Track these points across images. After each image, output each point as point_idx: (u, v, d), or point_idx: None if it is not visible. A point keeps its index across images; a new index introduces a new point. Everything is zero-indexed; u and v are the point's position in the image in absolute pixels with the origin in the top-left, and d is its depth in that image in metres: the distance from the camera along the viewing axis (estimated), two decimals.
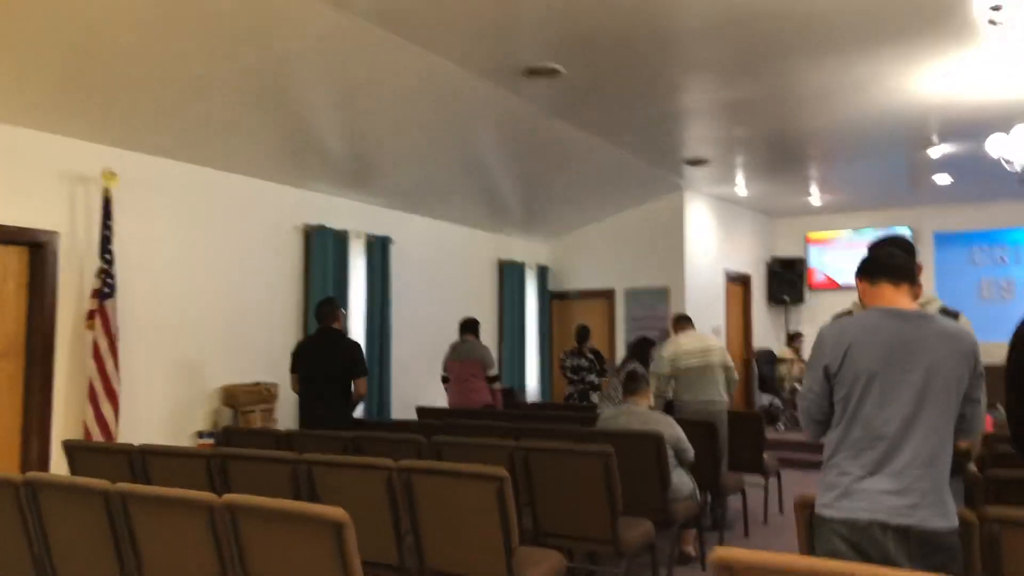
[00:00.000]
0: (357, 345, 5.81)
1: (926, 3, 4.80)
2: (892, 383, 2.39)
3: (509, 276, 9.92)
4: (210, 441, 5.66)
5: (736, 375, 6.19)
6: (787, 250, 12.23)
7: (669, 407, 5.98)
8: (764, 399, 10.85)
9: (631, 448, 4.63)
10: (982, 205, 11.12)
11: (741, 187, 10.16)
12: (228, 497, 2.75)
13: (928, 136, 8.01)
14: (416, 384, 8.24)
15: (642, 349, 6.68)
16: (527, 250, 10.45)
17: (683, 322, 6.33)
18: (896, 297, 2.53)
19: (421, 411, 6.87)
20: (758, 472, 6.41)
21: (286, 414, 6.54)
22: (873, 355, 2.42)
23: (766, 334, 11.84)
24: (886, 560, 2.33)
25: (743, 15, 4.92)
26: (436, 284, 8.85)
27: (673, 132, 7.81)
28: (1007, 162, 6.32)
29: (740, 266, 11.33)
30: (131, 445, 4.29)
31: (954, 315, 3.02)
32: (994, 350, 11.01)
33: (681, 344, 6.13)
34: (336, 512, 2.52)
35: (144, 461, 4.17)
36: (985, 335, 9.78)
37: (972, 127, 7.52)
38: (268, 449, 4.42)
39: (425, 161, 7.49)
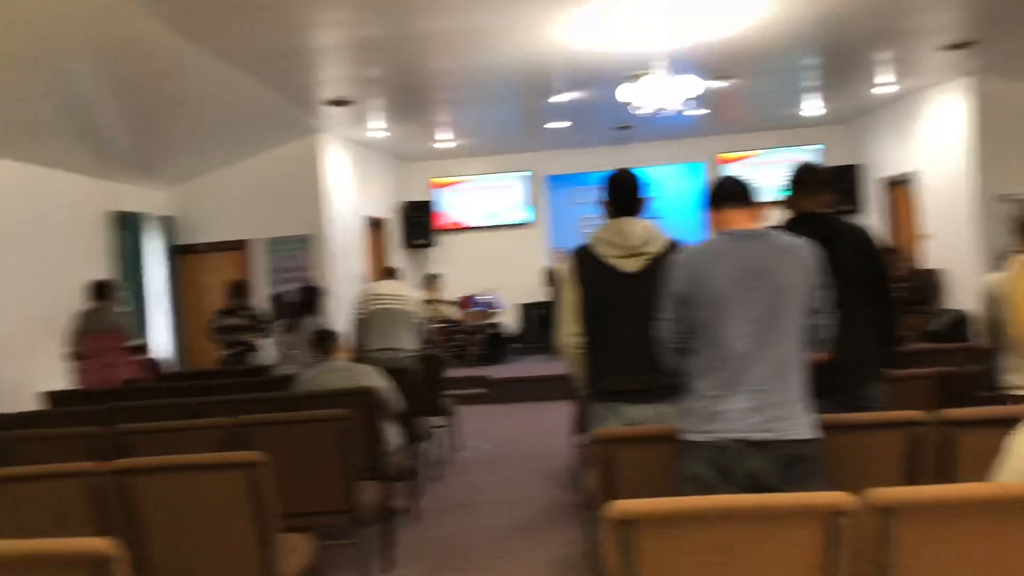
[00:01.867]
0: None
1: None
2: (742, 302, 2.43)
3: (124, 230, 8.61)
4: None
5: (425, 325, 6.11)
6: (417, 194, 12.39)
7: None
8: None
9: (345, 407, 4.26)
10: (584, 150, 12.27)
11: (377, 130, 9.97)
12: None
13: (551, 84, 8.55)
14: (25, 367, 6.79)
15: (311, 299, 6.21)
16: (145, 199, 9.17)
17: (386, 273, 6.11)
18: (740, 219, 2.57)
19: (57, 396, 5.68)
20: (439, 414, 6.41)
21: None
22: (723, 278, 2.45)
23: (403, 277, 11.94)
24: (752, 476, 2.37)
25: None
26: (32, 244, 7.31)
27: (310, 69, 7.33)
28: (636, 108, 6.94)
29: (376, 211, 11.22)
30: None
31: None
32: None
33: (371, 288, 5.89)
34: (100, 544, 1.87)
35: None
36: None
37: (589, 76, 8.17)
38: None
39: (22, 89, 6.07)
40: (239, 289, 7.32)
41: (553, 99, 8.86)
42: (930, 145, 9.64)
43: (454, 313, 10.97)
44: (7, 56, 5.37)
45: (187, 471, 2.82)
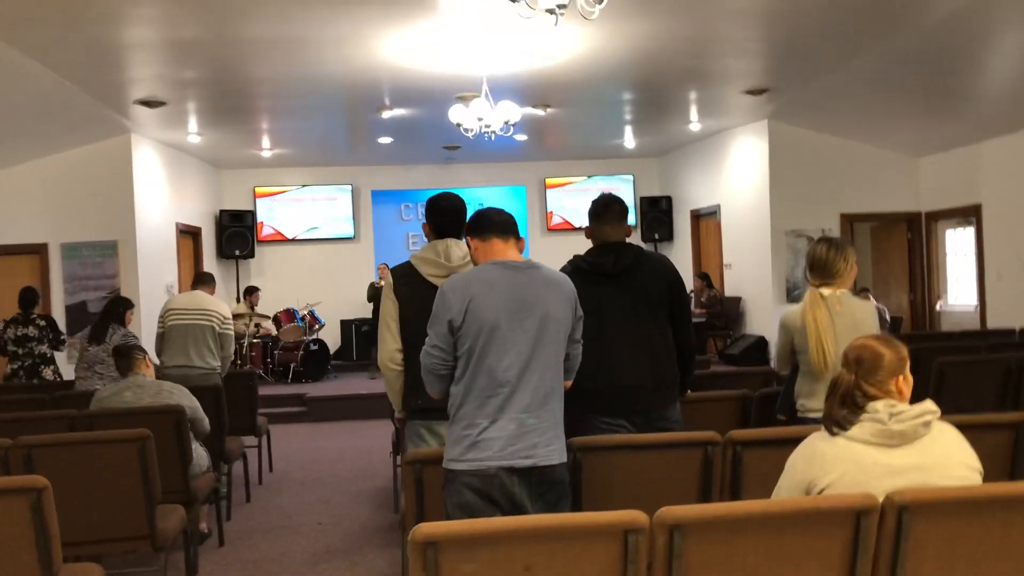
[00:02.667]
0: None
1: None
2: (511, 331, 2.50)
3: None
4: None
5: (231, 341, 5.85)
6: (236, 203, 11.93)
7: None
8: None
9: (146, 427, 4.02)
10: (410, 167, 12.30)
11: (194, 134, 9.54)
12: None
13: (381, 99, 8.54)
14: None
15: (117, 310, 5.80)
16: None
17: (196, 281, 5.82)
18: (506, 250, 2.64)
19: None
20: (252, 433, 6.19)
21: None
22: (494, 307, 2.50)
23: (218, 290, 11.41)
24: (513, 503, 2.45)
25: None
26: None
27: (119, 67, 6.92)
28: (466, 130, 7.06)
29: (190, 219, 10.69)
30: None
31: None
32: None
33: (173, 300, 5.59)
34: None
35: None
36: None
37: (419, 95, 8.23)
38: None
39: None
40: (31, 297, 6.73)
41: (386, 114, 8.83)
42: (733, 181, 10.43)
43: (272, 328, 10.62)
44: None
45: None
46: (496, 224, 2.68)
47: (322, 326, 11.13)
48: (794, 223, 9.52)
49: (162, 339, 5.73)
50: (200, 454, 4.52)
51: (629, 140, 11.12)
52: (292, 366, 10.35)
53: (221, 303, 5.91)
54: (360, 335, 11.71)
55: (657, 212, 11.91)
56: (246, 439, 6.07)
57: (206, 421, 4.54)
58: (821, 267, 3.39)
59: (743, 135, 10.11)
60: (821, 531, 2.02)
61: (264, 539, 4.90)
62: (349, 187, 12.35)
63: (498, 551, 1.94)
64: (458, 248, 3.23)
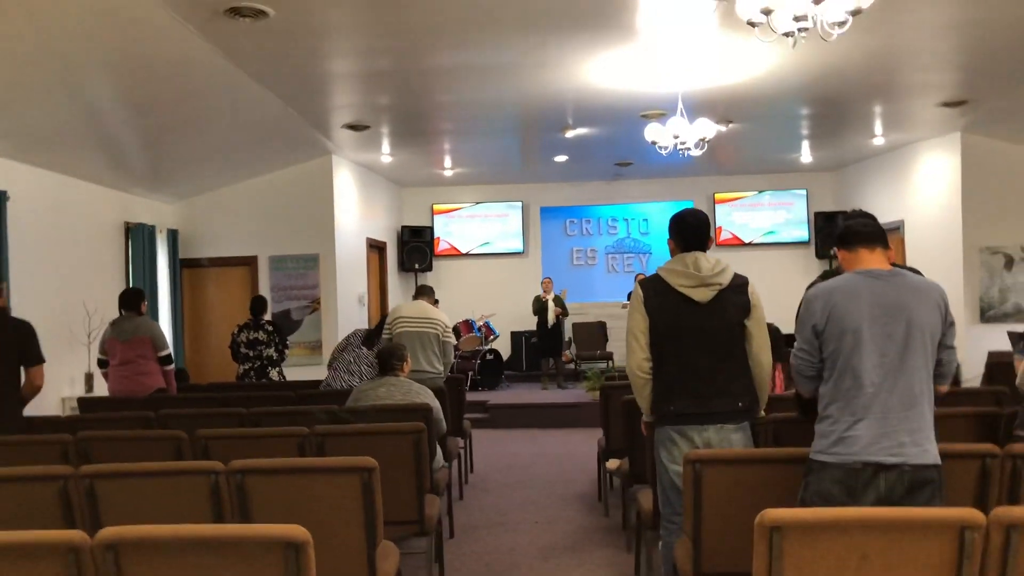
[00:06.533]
0: (29, 326, 4.63)
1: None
2: (875, 336, 2.65)
3: (137, 241, 8.67)
4: None
5: (452, 350, 6.25)
6: (416, 219, 12.58)
7: None
8: None
9: (398, 421, 4.40)
10: (578, 184, 12.59)
11: (386, 154, 10.16)
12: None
13: (565, 119, 8.84)
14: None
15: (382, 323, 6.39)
16: (154, 211, 9.22)
17: (418, 292, 6.26)
18: (872, 260, 2.78)
19: (86, 403, 5.72)
20: (459, 435, 6.55)
21: None
22: (857, 313, 2.66)
23: (398, 301, 12.06)
24: (880, 499, 2.57)
25: None
26: (56, 251, 7.38)
27: (330, 94, 7.53)
28: (661, 147, 7.24)
29: (377, 234, 11.37)
30: None
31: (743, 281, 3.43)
32: (589, 309, 12.42)
33: (401, 309, 6.03)
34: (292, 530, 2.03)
35: None
36: (577, 296, 11.13)
37: (603, 113, 8.48)
38: None
39: (52, 99, 6.15)
40: (261, 304, 7.41)
41: (569, 133, 9.13)
42: (918, 196, 10.11)
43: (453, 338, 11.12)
44: (40, 68, 5.50)
45: (306, 473, 2.97)
46: (863, 235, 2.81)
47: (496, 337, 11.55)
48: (989, 240, 9.13)
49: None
50: (437, 451, 4.89)
51: (806, 155, 10.99)
52: (470, 374, 10.79)
53: (442, 313, 6.30)
54: (529, 346, 12.06)
55: (832, 228, 11.66)
56: (457, 440, 6.44)
57: (444, 423, 4.91)
58: None
59: (931, 148, 9.80)
60: None
61: (489, 534, 5.22)
62: (520, 204, 12.78)
63: (837, 539, 2.10)
64: (706, 260, 3.41)
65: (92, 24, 5.04)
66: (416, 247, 12.14)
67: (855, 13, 3.89)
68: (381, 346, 5.37)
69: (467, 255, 12.79)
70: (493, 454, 7.83)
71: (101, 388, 7.05)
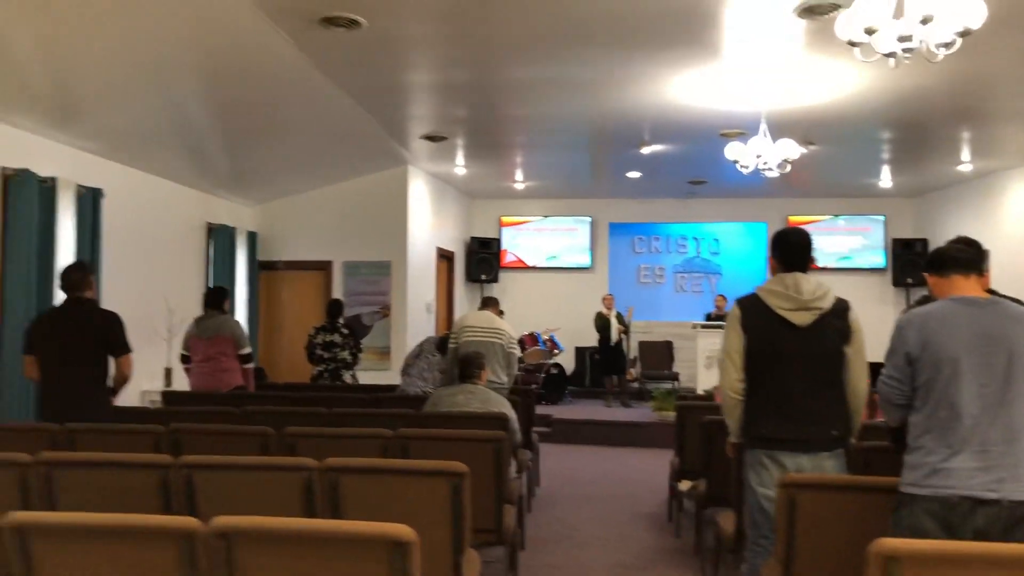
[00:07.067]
0: (116, 317, 4.79)
1: (678, 14, 5.18)
2: (974, 366, 2.55)
3: (218, 241, 8.90)
4: None
5: (516, 361, 6.24)
6: (484, 231, 12.67)
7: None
8: None
9: (475, 429, 4.43)
10: (649, 201, 12.52)
11: (460, 166, 10.26)
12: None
13: (642, 135, 8.81)
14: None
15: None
16: (234, 214, 9.46)
17: (484, 303, 6.28)
18: (967, 286, 2.70)
19: (169, 396, 5.88)
20: (527, 448, 6.54)
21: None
22: (954, 341, 2.57)
23: (464, 310, 12.13)
24: (976, 534, 2.46)
25: None
26: (146, 248, 7.63)
27: (409, 103, 7.63)
28: (743, 167, 7.16)
29: (446, 243, 11.48)
30: None
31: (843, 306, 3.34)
32: (655, 327, 12.27)
33: (467, 318, 6.06)
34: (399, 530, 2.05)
35: None
36: (643, 315, 10.96)
37: (681, 131, 8.42)
38: None
39: (146, 101, 6.36)
40: (337, 307, 7.53)
41: (645, 150, 9.10)
42: (1007, 226, 9.78)
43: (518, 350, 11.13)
44: (135, 71, 5.68)
45: (397, 475, 3.00)
46: (959, 261, 2.73)
47: (561, 351, 11.53)
48: None
49: (455, 353, 6.18)
50: (511, 462, 4.89)
51: (886, 179, 10.75)
52: (534, 387, 10.76)
53: (507, 324, 6.30)
54: (593, 362, 11.99)
55: (911, 255, 11.40)
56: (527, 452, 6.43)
57: (518, 434, 4.91)
58: None
59: (1020, 178, 9.49)
60: None
61: (558, 547, 5.19)
62: (589, 219, 12.77)
63: (951, 574, 2.03)
64: (807, 282, 3.33)
65: (188, 30, 5.21)
66: (484, 258, 12.21)
67: (964, 35, 3.79)
68: (455, 353, 5.40)
69: (533, 268, 12.82)
70: (558, 468, 7.80)
71: (179, 383, 7.24)
